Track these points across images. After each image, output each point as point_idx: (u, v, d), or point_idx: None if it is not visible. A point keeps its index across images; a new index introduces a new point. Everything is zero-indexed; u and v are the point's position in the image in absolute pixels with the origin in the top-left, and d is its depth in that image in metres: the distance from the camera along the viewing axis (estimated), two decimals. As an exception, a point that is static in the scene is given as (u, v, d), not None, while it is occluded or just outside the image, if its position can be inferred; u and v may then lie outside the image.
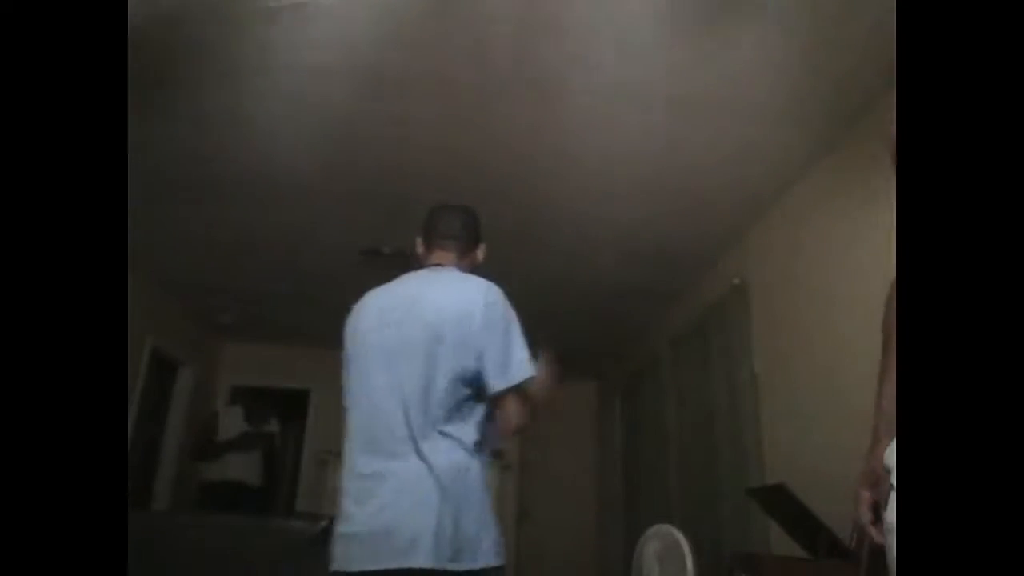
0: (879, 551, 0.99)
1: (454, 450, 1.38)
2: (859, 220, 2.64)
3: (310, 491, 5.93)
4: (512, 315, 1.51)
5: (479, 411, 1.45)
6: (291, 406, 6.10)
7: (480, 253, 1.75)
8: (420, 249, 1.74)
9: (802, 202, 3.15)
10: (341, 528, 1.41)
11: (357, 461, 1.44)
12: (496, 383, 1.41)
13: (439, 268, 1.65)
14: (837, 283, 2.80)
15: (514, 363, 1.43)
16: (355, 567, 1.33)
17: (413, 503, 1.33)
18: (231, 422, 4.92)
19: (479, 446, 1.43)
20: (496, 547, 1.37)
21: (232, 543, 2.32)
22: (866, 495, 1.13)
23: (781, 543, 2.59)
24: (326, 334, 5.86)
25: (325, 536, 2.33)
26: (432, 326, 1.44)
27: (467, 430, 1.42)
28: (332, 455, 5.91)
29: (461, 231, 1.71)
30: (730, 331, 3.68)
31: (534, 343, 1.52)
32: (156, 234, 3.93)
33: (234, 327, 5.82)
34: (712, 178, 3.18)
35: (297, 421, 6.26)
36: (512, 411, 1.43)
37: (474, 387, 1.43)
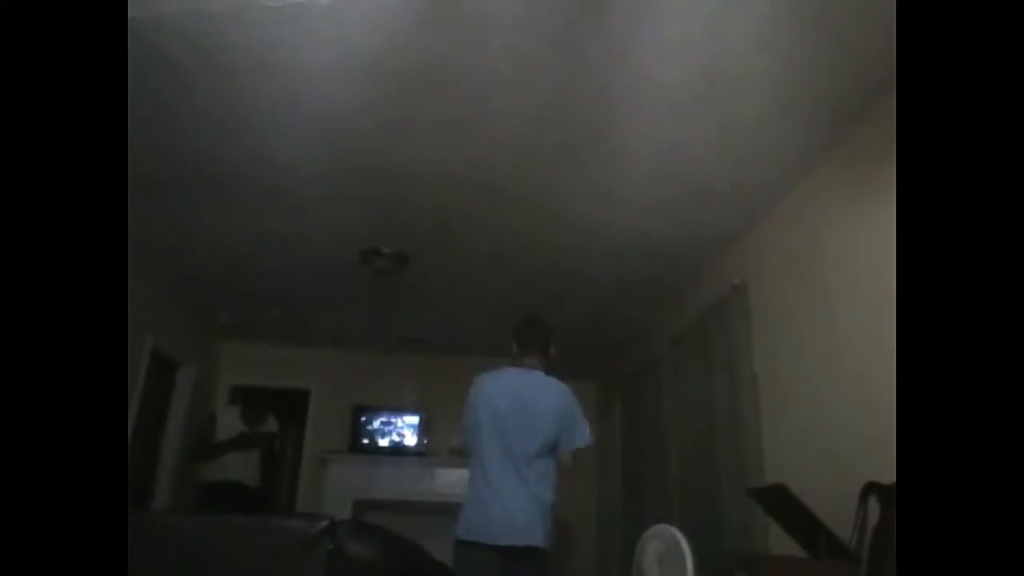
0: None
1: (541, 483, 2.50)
2: (859, 220, 2.64)
3: (310, 491, 5.92)
4: (578, 404, 2.66)
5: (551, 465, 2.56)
6: (291, 406, 6.09)
7: (553, 350, 2.76)
8: (515, 349, 2.74)
9: (802, 202, 3.15)
10: None
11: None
12: (576, 444, 2.58)
13: (534, 370, 2.67)
14: (837, 283, 2.80)
15: (585, 434, 2.61)
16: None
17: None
18: (228, 422, 4.91)
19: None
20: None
21: (232, 543, 2.32)
22: None
23: (781, 543, 2.59)
24: (326, 334, 5.89)
25: (325, 536, 2.33)
26: (540, 414, 2.53)
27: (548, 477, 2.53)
28: (332, 455, 5.92)
29: (543, 342, 2.74)
30: (730, 331, 3.67)
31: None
32: (156, 234, 3.93)
33: (234, 327, 5.81)
34: (712, 178, 3.18)
35: (297, 421, 6.26)
36: (572, 458, 2.59)
37: (556, 450, 2.55)
